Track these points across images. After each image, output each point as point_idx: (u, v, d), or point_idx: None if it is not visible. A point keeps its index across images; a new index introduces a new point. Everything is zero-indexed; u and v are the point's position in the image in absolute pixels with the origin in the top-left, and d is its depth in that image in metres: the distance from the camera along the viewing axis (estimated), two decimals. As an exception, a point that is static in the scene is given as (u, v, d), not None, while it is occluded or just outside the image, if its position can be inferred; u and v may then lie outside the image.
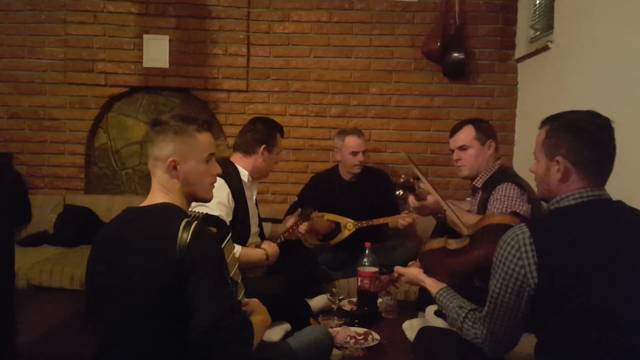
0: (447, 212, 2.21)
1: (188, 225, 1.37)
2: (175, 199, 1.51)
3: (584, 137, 1.37)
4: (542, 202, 2.70)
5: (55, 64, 3.86)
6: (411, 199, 2.38)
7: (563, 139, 1.39)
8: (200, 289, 1.33)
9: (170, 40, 3.79)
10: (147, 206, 1.49)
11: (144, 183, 3.99)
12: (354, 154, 3.27)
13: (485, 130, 2.48)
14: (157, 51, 3.80)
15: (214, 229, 1.47)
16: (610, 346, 1.25)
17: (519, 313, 1.37)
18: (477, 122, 2.52)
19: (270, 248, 2.53)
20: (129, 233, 1.42)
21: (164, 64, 3.81)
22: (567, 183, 1.39)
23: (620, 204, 1.40)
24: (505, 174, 2.40)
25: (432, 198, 2.32)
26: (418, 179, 2.37)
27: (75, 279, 3.03)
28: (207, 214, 1.49)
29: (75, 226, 3.60)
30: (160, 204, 1.48)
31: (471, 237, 1.89)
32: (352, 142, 3.28)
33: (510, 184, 2.28)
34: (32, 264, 3.09)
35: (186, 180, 1.52)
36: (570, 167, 1.38)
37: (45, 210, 3.70)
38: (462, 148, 2.47)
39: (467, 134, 2.47)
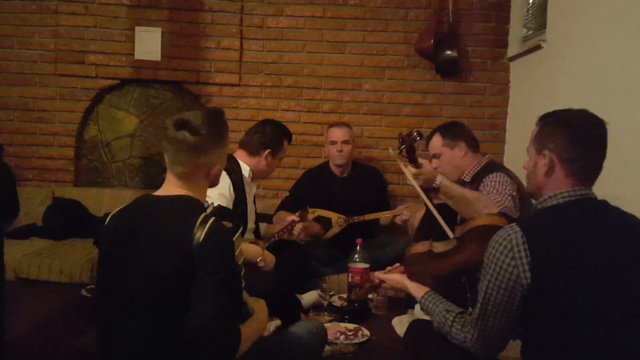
0: (432, 210, 2.22)
1: (204, 221, 1.38)
2: (196, 194, 1.52)
3: (572, 134, 1.38)
4: (532, 200, 2.72)
5: (46, 55, 3.81)
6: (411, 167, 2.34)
7: (552, 134, 1.40)
8: (201, 287, 1.34)
9: (162, 33, 3.76)
10: (165, 197, 1.49)
11: (134, 176, 3.96)
12: (333, 143, 3.32)
13: (451, 135, 2.61)
14: (149, 43, 3.76)
15: (229, 224, 1.48)
16: (602, 342, 1.26)
17: (510, 314, 1.36)
18: (443, 128, 2.67)
19: (267, 255, 2.51)
20: (145, 224, 1.42)
21: (155, 56, 3.77)
22: (551, 178, 1.40)
23: (605, 203, 1.40)
24: (494, 167, 2.53)
25: (428, 166, 2.42)
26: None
27: (64, 272, 3.00)
28: (220, 205, 1.51)
29: (64, 219, 3.56)
30: (179, 196, 1.48)
31: (458, 239, 1.86)
32: (332, 132, 3.36)
33: (499, 173, 2.42)
34: (21, 257, 3.06)
35: (215, 179, 1.60)
36: (556, 161, 1.38)
37: (34, 203, 3.66)
38: (435, 156, 2.64)
39: (436, 143, 2.64)
